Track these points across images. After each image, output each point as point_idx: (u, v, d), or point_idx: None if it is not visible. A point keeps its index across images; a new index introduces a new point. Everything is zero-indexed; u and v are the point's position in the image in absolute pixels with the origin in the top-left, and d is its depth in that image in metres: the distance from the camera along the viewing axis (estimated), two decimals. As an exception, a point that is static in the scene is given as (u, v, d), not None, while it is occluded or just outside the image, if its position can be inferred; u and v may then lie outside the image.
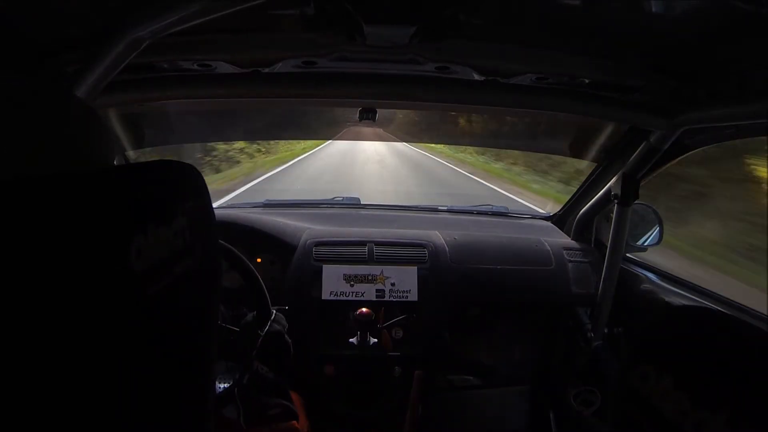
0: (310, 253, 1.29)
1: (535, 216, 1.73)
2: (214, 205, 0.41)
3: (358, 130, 1.59)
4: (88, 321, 0.26)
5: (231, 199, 4.82)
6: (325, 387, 1.26)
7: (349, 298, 1.25)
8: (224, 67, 0.81)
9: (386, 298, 1.26)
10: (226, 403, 0.79)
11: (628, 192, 1.18)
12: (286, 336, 0.80)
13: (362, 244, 1.33)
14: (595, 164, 1.35)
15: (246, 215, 1.43)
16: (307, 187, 6.72)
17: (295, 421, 0.69)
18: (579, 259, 1.39)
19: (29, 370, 0.23)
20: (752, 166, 3.43)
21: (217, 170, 7.25)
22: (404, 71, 0.85)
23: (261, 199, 1.70)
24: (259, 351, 0.73)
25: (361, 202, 1.78)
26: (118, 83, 0.78)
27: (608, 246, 1.27)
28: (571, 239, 1.50)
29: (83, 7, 0.56)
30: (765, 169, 3.29)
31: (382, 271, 1.28)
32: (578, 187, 1.48)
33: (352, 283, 1.27)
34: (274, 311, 0.83)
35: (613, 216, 1.24)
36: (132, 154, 1.30)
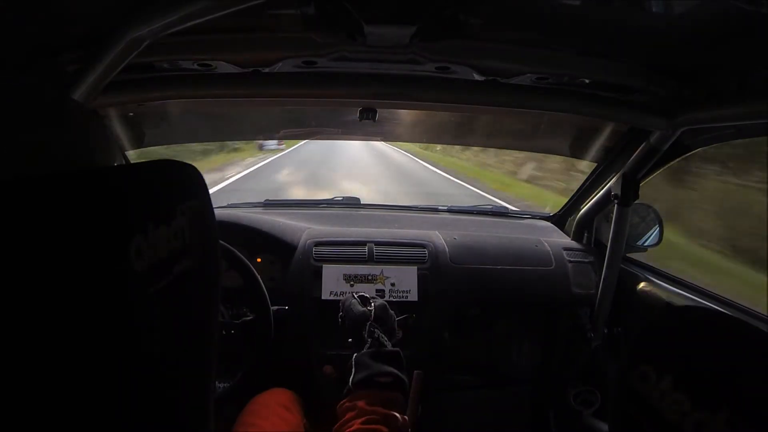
0: (310, 252, 1.29)
1: (535, 216, 1.73)
2: (214, 204, 0.41)
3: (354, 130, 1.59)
4: (89, 320, 0.26)
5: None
6: (325, 387, 1.26)
7: None
8: (224, 67, 0.81)
9: (386, 298, 1.26)
10: (226, 402, 0.79)
11: (628, 192, 1.18)
12: (390, 309, 0.83)
13: (362, 244, 1.33)
14: (595, 164, 1.35)
15: (246, 215, 1.42)
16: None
17: (401, 393, 0.67)
18: (579, 260, 1.39)
19: (29, 369, 0.23)
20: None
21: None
22: (404, 71, 0.85)
23: (260, 199, 1.70)
24: (376, 321, 0.77)
25: (361, 202, 1.78)
26: (118, 83, 0.78)
27: (608, 246, 1.27)
28: (571, 239, 1.50)
29: (83, 7, 0.56)
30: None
31: (382, 271, 1.28)
32: (578, 186, 1.49)
33: (352, 283, 1.27)
34: (372, 303, 0.85)
35: (613, 216, 1.24)
36: (132, 154, 1.30)
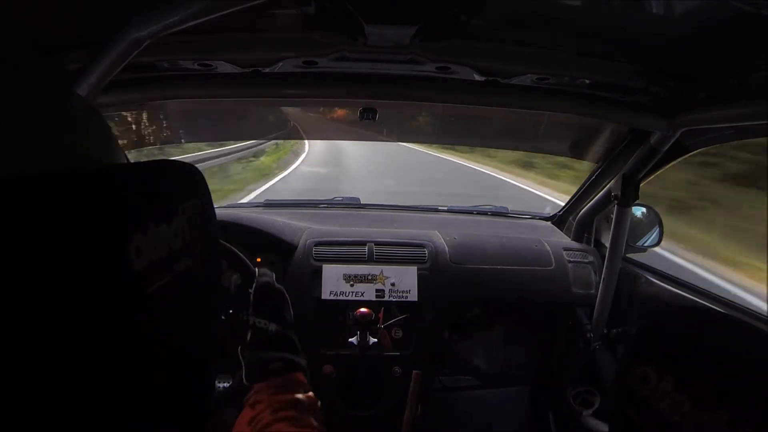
0: (310, 252, 1.29)
1: (535, 216, 1.73)
2: (214, 204, 0.41)
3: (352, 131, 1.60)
4: (87, 318, 0.26)
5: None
6: (325, 387, 1.26)
7: (349, 298, 1.26)
8: (225, 67, 0.81)
9: (386, 298, 1.26)
10: (227, 402, 0.78)
11: (628, 193, 1.18)
12: (275, 284, 0.77)
13: (362, 243, 1.33)
14: (596, 164, 1.36)
15: (246, 215, 1.43)
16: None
17: (300, 373, 0.65)
18: (579, 260, 1.39)
19: (26, 367, 0.23)
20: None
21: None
22: (405, 71, 0.85)
23: (261, 199, 1.70)
24: (254, 307, 0.71)
25: (361, 202, 1.78)
26: (118, 82, 0.78)
27: (608, 246, 1.28)
28: (571, 240, 1.50)
29: (84, 7, 0.56)
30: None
31: (381, 271, 1.28)
32: (579, 187, 1.49)
33: (351, 282, 1.27)
34: (257, 269, 0.80)
35: (613, 217, 1.24)
36: (132, 154, 1.31)
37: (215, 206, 0.41)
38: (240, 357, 0.67)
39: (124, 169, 0.33)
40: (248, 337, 0.68)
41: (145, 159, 0.37)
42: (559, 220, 1.63)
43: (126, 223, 0.29)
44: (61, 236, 0.24)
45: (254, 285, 0.75)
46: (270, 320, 0.70)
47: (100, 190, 0.28)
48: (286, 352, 0.67)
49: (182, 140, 1.72)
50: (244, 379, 0.65)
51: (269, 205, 1.68)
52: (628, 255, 1.36)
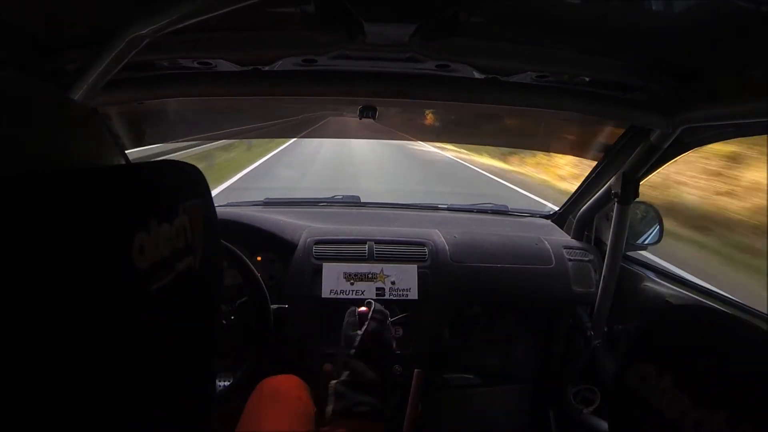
0: (310, 251, 1.30)
1: (535, 214, 1.73)
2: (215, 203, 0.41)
3: (354, 128, 1.60)
4: (90, 316, 0.26)
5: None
6: (325, 386, 1.26)
7: (349, 296, 1.26)
8: (224, 65, 0.81)
9: (386, 297, 1.26)
10: (228, 401, 0.78)
11: (628, 191, 1.18)
12: (386, 334, 0.77)
13: (362, 242, 1.33)
14: (595, 162, 1.35)
15: (246, 213, 1.43)
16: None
17: (381, 425, 0.67)
18: (579, 258, 1.39)
19: (29, 367, 0.23)
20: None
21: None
22: (404, 69, 0.85)
23: (261, 198, 1.70)
24: (358, 350, 0.72)
25: (361, 201, 1.78)
26: (118, 81, 0.78)
27: (608, 244, 1.28)
28: (572, 238, 1.50)
29: (83, 6, 0.56)
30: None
31: (382, 270, 1.28)
32: (579, 185, 1.49)
33: (352, 281, 1.27)
34: (373, 305, 0.78)
35: (613, 214, 1.25)
36: (131, 154, 1.30)
37: (215, 205, 0.41)
38: (331, 391, 0.69)
39: (126, 169, 0.33)
40: (344, 376, 0.71)
41: (144, 159, 0.37)
42: (559, 218, 1.63)
43: (130, 221, 0.29)
44: (65, 235, 0.24)
45: (365, 327, 0.74)
46: (371, 368, 0.71)
47: (104, 189, 0.28)
48: (375, 398, 0.68)
49: (183, 139, 1.72)
50: (329, 412, 0.67)
51: (269, 203, 1.68)
52: (628, 253, 1.36)
